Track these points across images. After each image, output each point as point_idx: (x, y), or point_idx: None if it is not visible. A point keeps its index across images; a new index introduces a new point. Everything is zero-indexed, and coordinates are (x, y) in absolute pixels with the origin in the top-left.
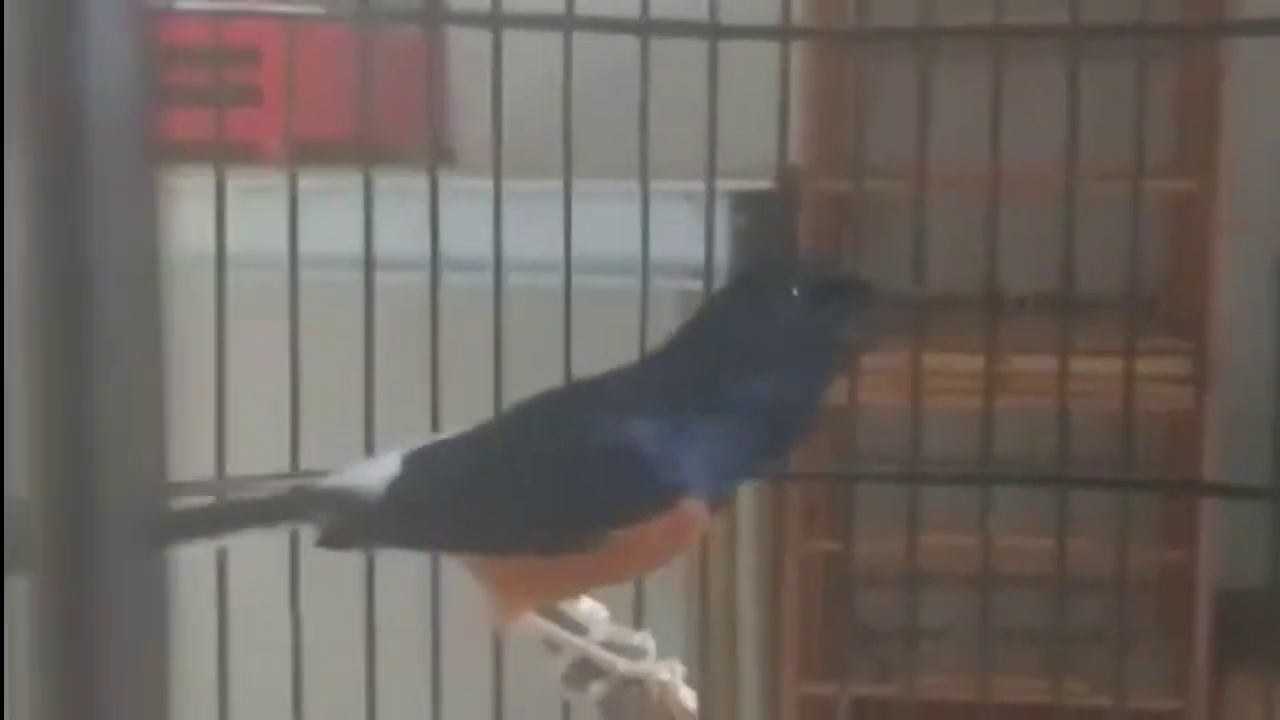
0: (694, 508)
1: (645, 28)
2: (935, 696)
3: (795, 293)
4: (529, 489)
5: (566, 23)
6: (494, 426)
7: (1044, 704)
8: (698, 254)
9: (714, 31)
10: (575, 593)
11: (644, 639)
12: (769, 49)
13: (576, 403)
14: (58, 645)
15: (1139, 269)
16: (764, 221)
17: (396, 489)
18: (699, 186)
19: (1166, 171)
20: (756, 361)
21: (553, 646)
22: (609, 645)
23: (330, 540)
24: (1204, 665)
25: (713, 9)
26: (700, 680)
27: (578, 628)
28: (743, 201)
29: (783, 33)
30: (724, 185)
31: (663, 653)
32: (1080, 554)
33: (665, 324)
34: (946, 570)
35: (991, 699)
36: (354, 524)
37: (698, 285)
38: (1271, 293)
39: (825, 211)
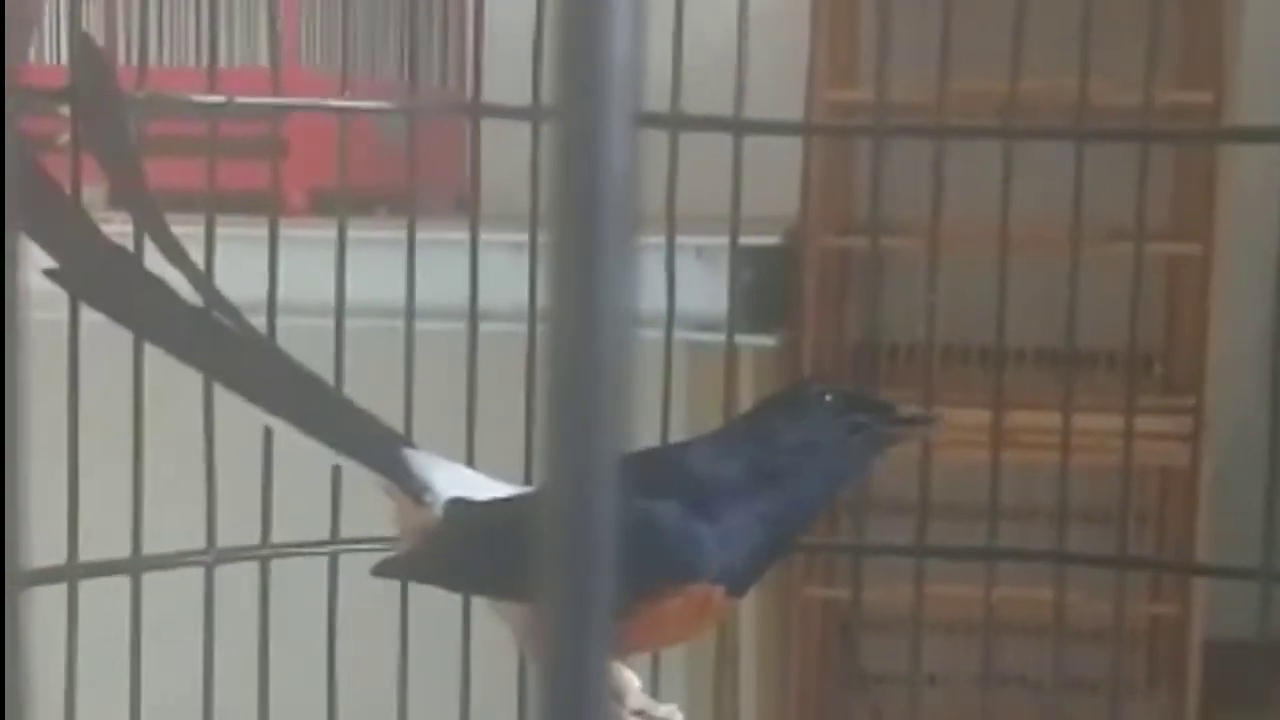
0: (710, 591)
1: (675, 123)
2: None
3: (829, 399)
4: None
5: None
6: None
7: None
8: (707, 307)
9: (739, 126)
10: None
11: (671, 712)
12: (782, 103)
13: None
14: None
15: (1138, 329)
16: (771, 277)
17: (446, 530)
18: (709, 241)
19: (1166, 235)
20: (784, 455)
21: None
22: (640, 715)
23: (385, 569)
24: (1195, 715)
25: (738, 104)
26: None
27: (613, 696)
28: (750, 257)
29: (805, 129)
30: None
31: (668, 698)
32: (1076, 605)
33: (676, 375)
34: (944, 618)
35: None
36: (411, 556)
37: (707, 338)
38: (1264, 354)
39: (831, 267)
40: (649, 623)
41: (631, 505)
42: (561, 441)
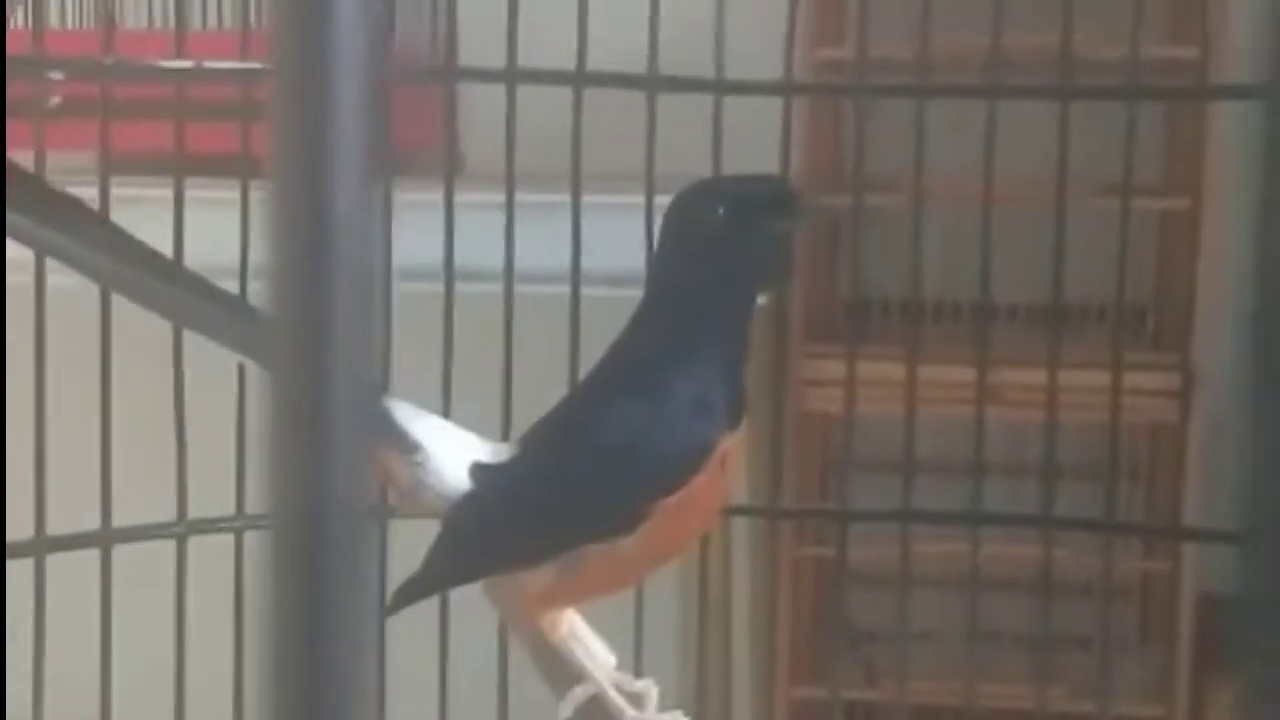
0: (723, 444)
1: (653, 83)
2: (922, 700)
3: (721, 212)
4: (573, 485)
5: (577, 79)
6: (512, 459)
7: (1029, 709)
8: None
9: (719, 87)
10: (637, 579)
11: (646, 686)
12: (768, 61)
13: (586, 398)
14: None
15: (1127, 285)
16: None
17: (446, 537)
18: None
19: (1156, 190)
20: (701, 293)
21: (559, 681)
22: (615, 690)
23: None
24: (1187, 672)
25: (719, 65)
26: (695, 684)
27: (587, 671)
28: None
29: (786, 89)
30: None
31: (655, 654)
32: (1065, 561)
33: None
34: (934, 575)
35: (978, 703)
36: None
37: None
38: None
39: (819, 225)
40: (686, 507)
41: (626, 408)
42: (291, 405)
